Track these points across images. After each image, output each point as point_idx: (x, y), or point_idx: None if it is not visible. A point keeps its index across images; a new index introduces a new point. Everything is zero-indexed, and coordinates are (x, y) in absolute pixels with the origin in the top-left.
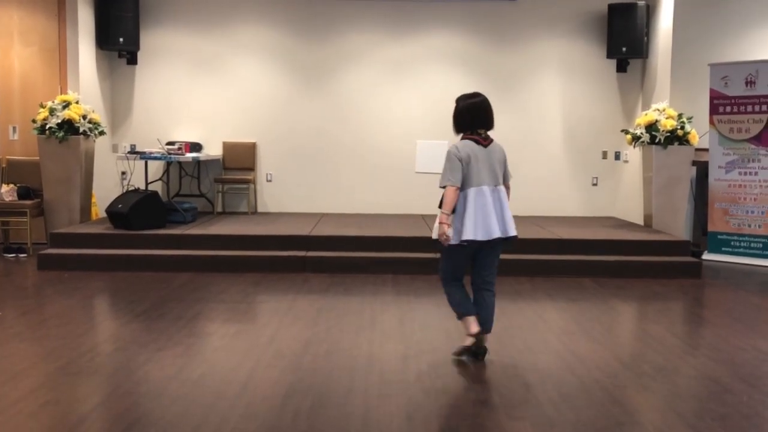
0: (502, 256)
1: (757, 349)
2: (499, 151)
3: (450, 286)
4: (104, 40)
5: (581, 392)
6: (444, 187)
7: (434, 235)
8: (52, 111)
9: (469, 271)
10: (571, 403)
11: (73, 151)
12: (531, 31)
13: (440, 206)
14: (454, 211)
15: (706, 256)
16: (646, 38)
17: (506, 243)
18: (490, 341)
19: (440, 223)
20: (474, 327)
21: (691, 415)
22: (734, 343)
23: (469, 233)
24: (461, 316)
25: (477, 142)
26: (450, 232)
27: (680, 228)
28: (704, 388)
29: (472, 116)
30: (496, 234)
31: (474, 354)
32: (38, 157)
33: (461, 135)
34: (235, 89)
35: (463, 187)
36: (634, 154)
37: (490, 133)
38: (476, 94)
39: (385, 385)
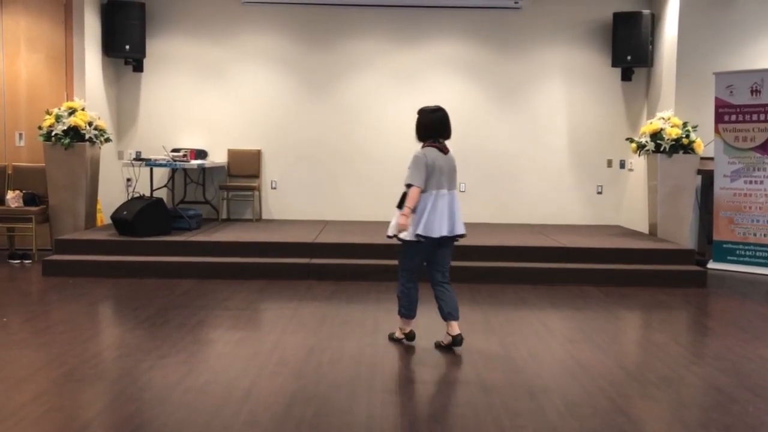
0: (506, 264)
1: (763, 359)
2: (453, 160)
3: (410, 284)
4: (110, 47)
5: (585, 401)
6: (409, 186)
7: (390, 232)
8: (58, 118)
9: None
10: (575, 411)
11: (79, 158)
12: (536, 39)
13: (399, 206)
14: (414, 210)
15: (711, 265)
16: (650, 47)
17: (455, 239)
18: (494, 348)
19: (403, 215)
20: (409, 327)
21: (696, 424)
22: (739, 353)
23: (428, 230)
24: (405, 316)
25: (439, 149)
26: (410, 228)
27: (685, 237)
28: (709, 397)
29: (436, 127)
30: (447, 233)
31: (453, 344)
32: (44, 164)
33: (424, 142)
34: (240, 97)
35: (425, 189)
36: (638, 163)
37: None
38: (439, 108)
39: (388, 393)
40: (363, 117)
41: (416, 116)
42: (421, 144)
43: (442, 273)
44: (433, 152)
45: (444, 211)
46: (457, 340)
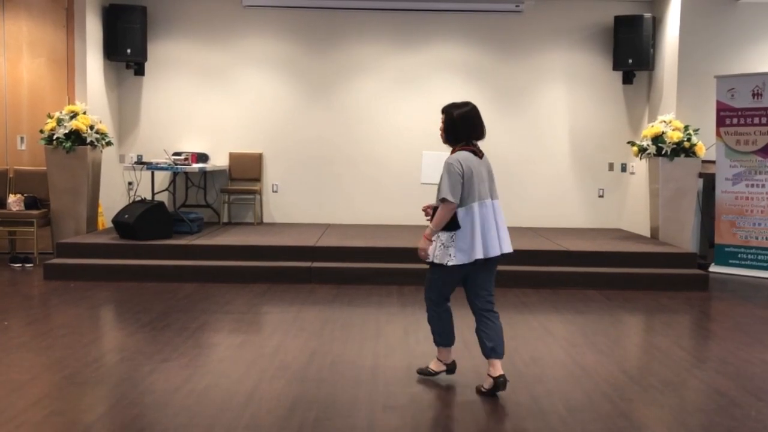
0: (508, 268)
1: (765, 363)
2: (489, 164)
3: (441, 309)
4: (112, 51)
5: (588, 405)
6: (443, 201)
7: (435, 259)
8: (59, 121)
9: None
10: (578, 415)
11: (81, 162)
12: (537, 42)
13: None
14: (449, 229)
15: (713, 268)
16: (652, 50)
17: (501, 258)
18: None
19: (425, 238)
20: (450, 356)
21: (699, 428)
22: (742, 357)
23: (479, 252)
24: (439, 344)
25: (474, 153)
26: (432, 250)
27: (687, 240)
28: (712, 401)
29: (469, 126)
30: (497, 251)
31: (494, 389)
32: (45, 167)
33: (455, 147)
34: (241, 100)
35: (465, 202)
36: (640, 166)
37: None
38: (467, 103)
39: (390, 397)
40: (364, 120)
41: (443, 115)
42: (449, 148)
43: (487, 299)
44: (467, 157)
45: (491, 225)
46: (499, 383)
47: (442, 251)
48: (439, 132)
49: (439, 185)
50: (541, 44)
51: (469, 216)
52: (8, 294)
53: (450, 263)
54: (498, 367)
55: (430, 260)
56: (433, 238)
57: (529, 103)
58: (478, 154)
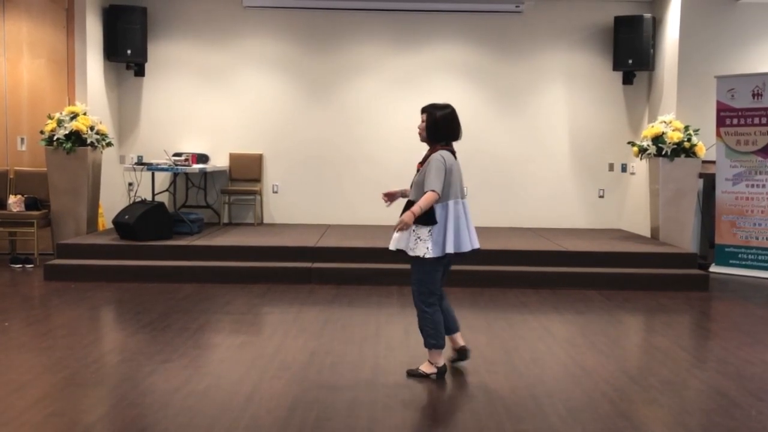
0: (509, 268)
1: (766, 363)
2: (459, 165)
3: (433, 309)
4: (112, 51)
5: (588, 405)
6: (426, 192)
7: (393, 245)
8: (59, 122)
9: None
10: (578, 416)
11: (81, 162)
12: (537, 43)
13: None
14: (427, 224)
15: (713, 268)
16: (652, 50)
17: (466, 255)
18: (496, 354)
19: (411, 212)
20: (441, 360)
21: (699, 429)
22: (742, 357)
23: (450, 247)
24: (432, 347)
25: (453, 153)
26: (409, 243)
27: (687, 240)
28: (712, 401)
29: (449, 128)
30: (468, 247)
31: (460, 359)
32: (46, 168)
33: (435, 146)
34: (241, 101)
35: (442, 199)
36: (640, 167)
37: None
38: (448, 105)
39: (390, 397)
40: (364, 121)
41: (426, 114)
42: (427, 146)
43: (437, 293)
44: (449, 156)
45: (462, 222)
46: (463, 354)
47: (420, 244)
48: (418, 131)
49: (426, 178)
50: (541, 44)
51: (444, 212)
52: (8, 295)
53: (427, 255)
54: (459, 340)
55: (405, 249)
56: (413, 229)
57: (528, 104)
58: (454, 155)
